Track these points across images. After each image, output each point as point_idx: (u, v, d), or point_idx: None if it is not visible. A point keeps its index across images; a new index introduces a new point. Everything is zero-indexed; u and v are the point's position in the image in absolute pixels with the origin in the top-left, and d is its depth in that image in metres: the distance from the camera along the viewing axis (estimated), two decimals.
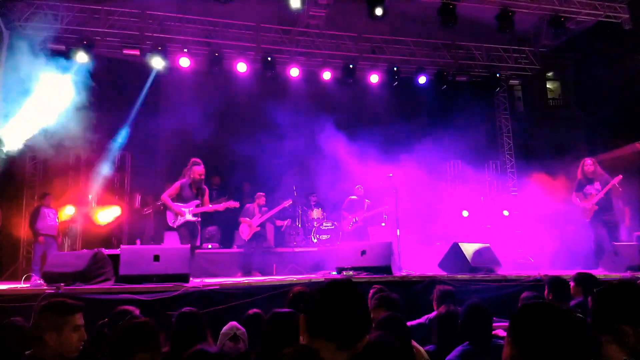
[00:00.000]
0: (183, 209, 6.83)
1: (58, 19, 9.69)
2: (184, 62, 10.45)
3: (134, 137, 10.73)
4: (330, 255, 8.25)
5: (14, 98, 8.67)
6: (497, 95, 13.30)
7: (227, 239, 10.40)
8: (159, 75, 10.73)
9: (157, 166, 11.63)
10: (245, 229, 8.86)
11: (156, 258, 5.42)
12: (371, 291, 4.16)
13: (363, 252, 6.35)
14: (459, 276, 5.87)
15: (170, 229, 7.19)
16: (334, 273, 6.50)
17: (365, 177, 9.90)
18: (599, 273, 6.23)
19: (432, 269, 6.96)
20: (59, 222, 9.27)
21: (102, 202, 10.26)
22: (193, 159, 7.04)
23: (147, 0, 10.04)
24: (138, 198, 10.97)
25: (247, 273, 8.27)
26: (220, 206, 7.24)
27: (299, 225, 10.77)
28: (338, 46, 11.43)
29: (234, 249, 9.72)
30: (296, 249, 9.84)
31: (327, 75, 11.42)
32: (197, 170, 6.93)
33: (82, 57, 9.63)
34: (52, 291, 4.64)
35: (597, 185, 7.58)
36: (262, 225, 8.96)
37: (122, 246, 6.04)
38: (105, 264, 5.56)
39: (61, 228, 9.41)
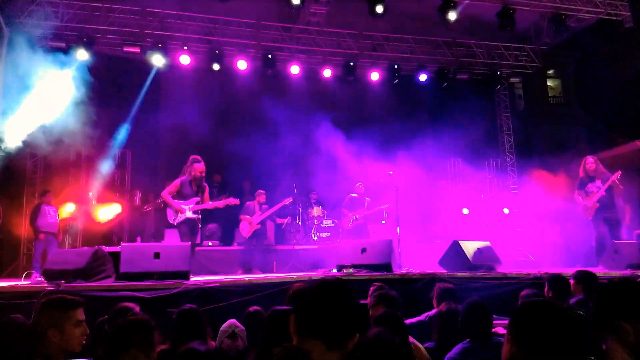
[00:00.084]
0: (183, 206, 6.83)
1: (58, 16, 9.68)
2: (184, 59, 10.44)
3: (135, 134, 10.72)
4: (330, 253, 8.26)
5: (14, 95, 8.66)
6: (497, 93, 13.28)
7: (227, 237, 10.41)
8: (159, 73, 10.73)
9: (157, 163, 11.63)
10: (246, 227, 8.86)
11: (156, 255, 5.42)
12: (371, 289, 4.16)
13: (363, 250, 6.35)
14: (459, 274, 5.88)
15: (171, 226, 7.19)
16: (335, 271, 6.51)
17: (365, 175, 9.89)
18: (599, 271, 6.23)
19: (432, 267, 6.96)
20: (60, 220, 9.27)
21: (102, 199, 10.26)
22: (193, 156, 7.03)
23: None
24: (138, 195, 10.97)
25: (247, 271, 8.27)
26: (220, 203, 7.23)
27: (299, 223, 10.78)
28: (339, 44, 11.42)
29: (235, 247, 9.73)
30: (296, 247, 9.85)
31: (327, 72, 11.41)
32: (198, 167, 6.92)
33: (82, 55, 9.62)
34: (53, 288, 4.65)
35: (598, 183, 7.58)
36: (262, 222, 8.97)
37: (122, 243, 6.04)
38: (105, 262, 5.57)
39: (62, 225, 9.41)
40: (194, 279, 5.53)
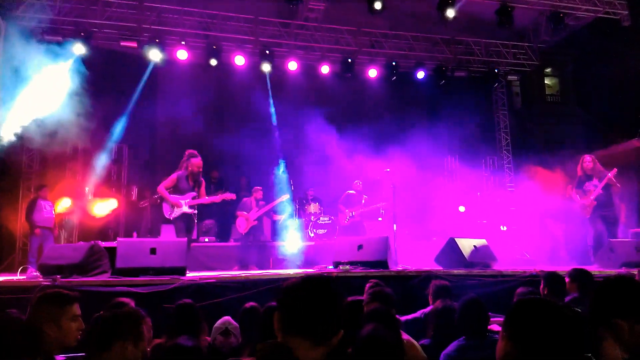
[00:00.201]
0: (179, 200, 6.82)
1: (55, 10, 9.62)
2: (182, 54, 10.40)
3: (131, 129, 10.69)
4: (327, 250, 8.27)
5: (10, 89, 8.62)
6: (495, 90, 13.29)
7: (224, 233, 10.40)
8: (156, 68, 10.68)
9: (154, 159, 11.61)
10: (243, 223, 8.86)
11: (153, 251, 5.41)
12: (367, 285, 4.17)
13: (360, 247, 6.36)
14: (455, 271, 5.89)
15: (167, 222, 7.18)
16: (331, 267, 6.51)
17: (362, 172, 9.91)
18: (595, 269, 6.26)
19: (429, 264, 6.98)
20: (56, 214, 9.25)
21: (98, 194, 10.23)
22: (189, 151, 7.02)
23: None
24: (135, 191, 10.95)
25: (243, 267, 8.27)
26: (217, 198, 7.22)
27: (296, 220, 10.77)
28: (337, 40, 11.39)
29: (231, 243, 9.73)
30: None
31: (325, 69, 11.39)
32: (195, 162, 6.90)
33: (79, 49, 9.57)
34: (49, 283, 4.64)
35: (595, 181, 7.60)
36: (259, 219, 8.96)
37: (118, 239, 6.04)
38: (101, 257, 5.56)
39: (57, 220, 9.39)
40: (190, 274, 5.52)
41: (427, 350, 3.34)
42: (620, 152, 11.39)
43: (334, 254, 6.59)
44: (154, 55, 10.13)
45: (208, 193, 7.40)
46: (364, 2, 9.30)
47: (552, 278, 4.27)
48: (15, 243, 9.55)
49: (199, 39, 10.66)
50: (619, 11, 10.47)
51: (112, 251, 5.51)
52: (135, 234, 9.93)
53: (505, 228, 11.47)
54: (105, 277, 5.21)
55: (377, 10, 9.26)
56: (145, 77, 10.72)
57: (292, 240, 9.54)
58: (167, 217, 6.88)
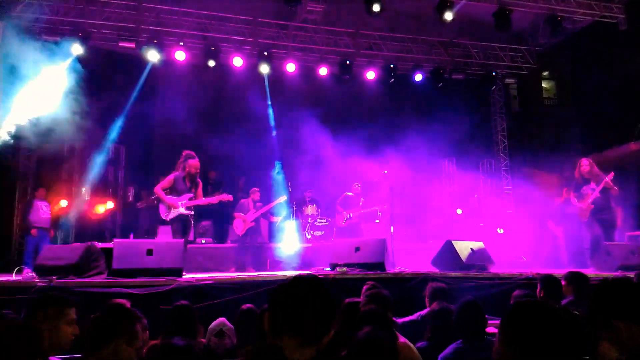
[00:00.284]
0: (176, 201, 6.80)
1: (53, 10, 9.61)
2: (180, 55, 10.40)
3: (129, 129, 10.68)
4: (324, 252, 8.26)
5: (8, 89, 8.60)
6: (492, 93, 13.32)
7: (221, 234, 10.39)
8: (154, 68, 10.67)
9: (151, 159, 11.58)
10: (240, 224, 8.85)
11: (149, 252, 5.40)
12: (364, 287, 4.17)
13: (357, 249, 6.35)
14: (452, 273, 5.90)
15: (164, 223, 7.16)
16: (328, 269, 6.51)
17: (360, 174, 9.92)
18: (591, 272, 6.28)
19: (425, 266, 6.98)
20: (52, 215, 9.23)
21: (95, 195, 10.21)
22: (186, 152, 6.99)
23: None
24: (132, 192, 10.93)
25: (240, 268, 8.26)
26: (214, 199, 7.20)
27: (293, 221, 10.77)
28: (335, 42, 11.40)
29: (228, 244, 9.72)
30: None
31: (323, 71, 11.40)
32: (193, 163, 6.88)
33: (77, 49, 9.55)
34: (45, 284, 4.62)
35: (593, 185, 7.61)
36: (256, 220, 8.96)
37: (115, 240, 6.02)
38: (98, 258, 5.55)
39: (54, 221, 9.36)
40: (187, 276, 5.51)
41: (424, 353, 3.34)
42: (617, 155, 11.42)
43: (331, 255, 6.59)
44: (152, 56, 10.12)
45: (205, 194, 7.38)
46: (362, 4, 9.31)
47: (549, 281, 4.28)
48: (11, 243, 9.51)
49: (197, 40, 10.65)
50: (616, 15, 10.52)
51: (108, 252, 5.50)
52: (132, 235, 9.90)
53: (502, 231, 11.49)
54: (101, 278, 5.19)
55: (375, 12, 9.26)
56: (143, 78, 10.71)
57: (289, 242, 9.53)
58: (164, 218, 6.86)
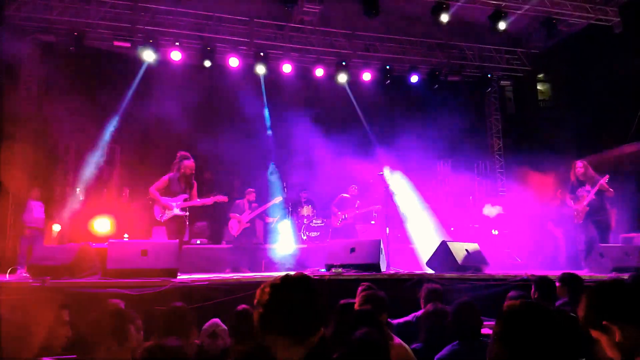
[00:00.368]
0: (171, 203, 6.78)
1: (48, 10, 9.56)
2: (176, 55, 10.37)
3: (124, 129, 10.63)
4: (319, 252, 8.26)
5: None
6: (488, 95, 13.37)
7: (216, 235, 10.36)
8: (150, 69, 10.64)
9: (146, 160, 11.53)
10: (235, 225, 8.84)
11: (144, 253, 5.38)
12: (359, 288, 4.16)
13: (352, 250, 6.35)
14: (447, 275, 5.91)
15: (159, 223, 7.13)
16: (323, 270, 6.51)
17: (355, 175, 9.93)
18: (585, 274, 6.30)
19: (420, 268, 6.99)
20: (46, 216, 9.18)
21: (91, 197, 10.16)
22: (181, 153, 6.97)
23: None
24: (127, 192, 10.88)
25: (236, 269, 8.24)
26: (209, 200, 7.18)
27: (289, 222, 10.76)
28: (332, 43, 11.41)
29: (223, 245, 9.69)
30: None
31: (320, 72, 11.41)
32: (188, 164, 6.86)
33: (73, 49, 9.51)
34: (38, 284, 4.59)
35: (588, 187, 7.65)
36: (251, 221, 8.94)
37: (109, 240, 5.99)
38: (92, 258, 5.52)
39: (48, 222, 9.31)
40: (182, 277, 5.49)
41: (419, 354, 3.34)
42: (612, 157, 11.48)
43: (327, 256, 6.59)
44: (148, 55, 10.10)
45: (200, 195, 7.36)
46: (360, 5, 9.32)
47: (543, 282, 4.30)
48: (5, 244, 9.45)
49: (193, 40, 10.63)
50: (611, 18, 10.58)
51: (102, 253, 5.47)
52: (126, 236, 9.85)
53: (496, 232, 11.52)
54: (95, 279, 5.17)
55: (372, 13, 9.28)
56: (138, 78, 10.68)
57: (284, 243, 9.53)
58: (158, 219, 6.83)
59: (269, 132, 11.56)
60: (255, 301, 1.70)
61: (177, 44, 10.38)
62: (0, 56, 8.44)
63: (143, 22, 10.13)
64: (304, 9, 9.76)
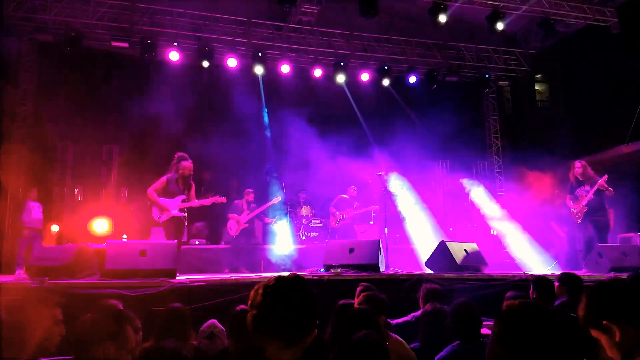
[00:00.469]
0: (168, 204, 6.76)
1: (46, 10, 9.55)
2: (174, 55, 10.36)
3: (122, 130, 10.62)
4: (318, 253, 8.26)
5: None
6: (486, 96, 13.39)
7: (215, 235, 10.35)
8: (147, 69, 10.62)
9: (144, 160, 11.51)
10: (234, 225, 8.83)
11: (142, 253, 5.37)
12: (358, 289, 4.17)
13: (351, 250, 6.36)
14: (446, 275, 5.91)
15: (157, 223, 7.12)
16: (322, 270, 6.51)
17: (353, 175, 9.94)
18: (583, 274, 6.32)
19: (419, 268, 6.99)
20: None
21: (88, 197, 10.15)
22: (179, 154, 6.95)
23: None
24: (125, 192, 10.87)
25: (234, 270, 8.24)
26: (207, 201, 7.17)
27: (288, 222, 10.75)
28: (330, 43, 11.42)
29: (222, 245, 9.68)
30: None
31: (318, 72, 11.40)
32: (186, 165, 6.85)
33: (70, 49, 9.50)
34: (36, 285, 4.58)
35: (587, 187, 7.66)
36: (250, 221, 8.94)
37: (108, 241, 5.98)
38: (90, 259, 5.51)
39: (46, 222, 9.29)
40: (181, 277, 5.49)
41: (417, 354, 3.35)
42: (608, 158, 11.51)
43: (325, 256, 6.59)
44: (146, 56, 10.08)
45: (198, 195, 7.35)
46: (357, 6, 9.32)
47: (541, 282, 4.31)
48: (3, 244, 9.43)
49: (191, 41, 10.62)
50: (608, 19, 10.61)
51: (101, 253, 5.46)
52: (125, 236, 9.84)
53: (495, 232, 11.53)
54: (93, 280, 5.16)
55: (370, 14, 9.28)
56: (136, 78, 10.66)
57: (283, 243, 9.52)
58: (157, 220, 6.81)
59: (267, 132, 11.56)
60: (249, 303, 1.69)
61: (175, 44, 10.37)
62: None
63: (141, 22, 10.12)
64: (302, 9, 9.77)
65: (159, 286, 4.86)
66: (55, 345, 2.62)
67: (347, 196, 9.75)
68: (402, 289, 5.46)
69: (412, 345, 3.49)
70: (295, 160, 10.70)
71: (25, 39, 9.96)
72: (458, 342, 3.20)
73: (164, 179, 6.84)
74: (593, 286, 1.83)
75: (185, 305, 3.65)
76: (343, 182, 9.99)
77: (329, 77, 11.54)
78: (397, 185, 9.76)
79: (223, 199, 7.44)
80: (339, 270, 6.03)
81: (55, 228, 9.51)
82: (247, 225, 8.83)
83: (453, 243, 6.84)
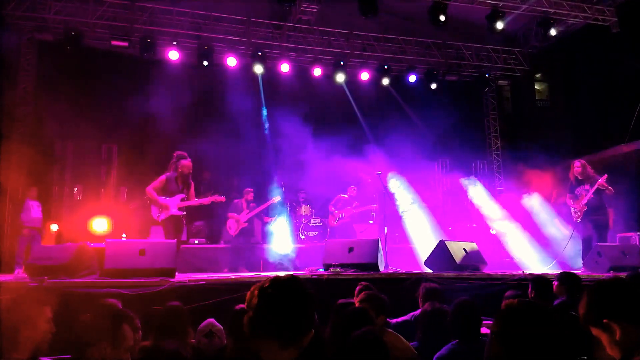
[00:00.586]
0: (168, 202, 6.75)
1: (46, 9, 9.54)
2: (173, 55, 10.36)
3: (122, 129, 10.61)
4: (317, 252, 8.26)
5: None
6: (485, 95, 13.39)
7: (214, 235, 10.35)
8: (148, 68, 10.62)
9: (143, 159, 11.51)
10: (233, 225, 8.83)
11: (142, 252, 5.37)
12: (357, 287, 4.17)
13: (350, 249, 6.36)
14: (445, 274, 5.91)
15: (157, 222, 7.12)
16: (322, 270, 6.51)
17: (353, 174, 9.94)
18: (582, 273, 6.32)
19: (419, 267, 7.00)
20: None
21: (88, 197, 10.15)
22: (178, 153, 6.94)
23: None
24: (124, 191, 10.86)
25: (234, 269, 8.24)
26: (206, 200, 7.16)
27: (287, 222, 10.75)
28: (329, 43, 11.41)
29: (221, 245, 9.68)
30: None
31: (317, 71, 11.40)
32: (185, 164, 6.84)
33: (70, 48, 9.49)
34: (36, 284, 4.58)
35: (587, 186, 7.66)
36: (250, 221, 8.94)
37: (107, 240, 5.98)
38: (89, 258, 5.51)
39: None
40: (180, 276, 5.49)
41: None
42: (608, 157, 11.52)
43: (325, 256, 6.59)
44: (146, 55, 10.07)
45: (198, 194, 7.34)
46: (357, 5, 9.32)
47: (540, 281, 4.31)
48: (2, 243, 9.42)
49: (191, 40, 10.62)
50: (608, 18, 10.61)
51: (100, 252, 5.46)
52: (124, 235, 9.84)
53: (494, 231, 11.53)
54: (93, 279, 5.16)
55: (369, 13, 9.28)
56: (136, 78, 10.65)
57: (282, 243, 9.52)
58: (155, 219, 6.80)
59: (267, 131, 11.56)
60: (246, 304, 1.69)
61: (175, 43, 10.37)
62: None
63: (140, 21, 10.11)
64: (302, 8, 9.76)
65: (158, 285, 4.86)
66: (46, 342, 2.62)
67: (346, 196, 9.76)
68: (402, 288, 5.46)
69: (411, 344, 3.49)
70: (295, 159, 10.70)
71: (25, 37, 9.96)
72: (457, 340, 3.20)
73: (163, 177, 6.83)
74: (594, 285, 1.84)
75: (184, 305, 3.65)
76: (342, 182, 9.99)
77: (328, 77, 11.54)
78: (397, 184, 9.77)
79: (222, 198, 7.43)
80: (338, 269, 6.03)
81: (54, 227, 9.50)
82: (246, 224, 8.82)
83: (452, 242, 6.84)
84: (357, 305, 3.47)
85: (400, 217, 9.95)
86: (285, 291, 1.64)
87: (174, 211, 6.72)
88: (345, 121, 11.84)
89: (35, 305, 2.62)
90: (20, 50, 9.92)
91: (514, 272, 6.42)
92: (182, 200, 6.80)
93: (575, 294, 4.08)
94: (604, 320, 1.71)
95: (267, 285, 1.67)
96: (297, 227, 10.50)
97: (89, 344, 2.26)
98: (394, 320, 4.29)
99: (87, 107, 10.02)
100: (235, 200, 9.03)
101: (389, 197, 8.26)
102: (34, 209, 8.94)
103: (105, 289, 4.63)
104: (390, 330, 3.27)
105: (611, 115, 11.86)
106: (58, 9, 9.63)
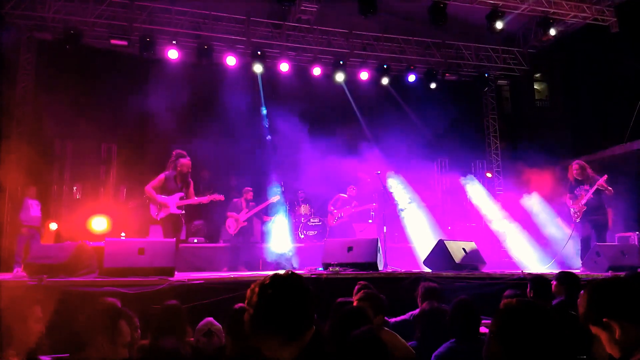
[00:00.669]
0: (167, 201, 6.75)
1: (45, 8, 9.53)
2: (173, 54, 10.35)
3: (121, 128, 10.60)
4: (317, 251, 8.26)
5: None
6: (485, 95, 13.39)
7: (213, 234, 10.34)
8: (147, 67, 10.61)
9: (143, 158, 11.51)
10: (232, 224, 8.83)
11: (141, 251, 5.37)
12: (356, 287, 4.17)
13: (350, 249, 6.36)
14: (444, 273, 5.92)
15: (156, 221, 7.11)
16: (321, 269, 6.51)
17: (352, 173, 9.94)
18: (581, 273, 6.33)
19: (418, 266, 7.00)
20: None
21: (87, 196, 10.14)
22: (177, 151, 6.93)
23: None
24: (124, 190, 10.86)
25: (233, 268, 8.23)
26: (205, 199, 7.16)
27: (287, 221, 10.74)
28: (329, 42, 11.41)
29: (221, 244, 9.67)
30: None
31: (317, 71, 11.40)
32: (184, 162, 6.83)
33: (69, 47, 9.48)
34: (35, 283, 4.58)
35: (586, 186, 7.67)
36: (249, 220, 8.93)
37: (106, 239, 5.98)
38: (89, 257, 5.51)
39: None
40: (179, 275, 5.49)
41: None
42: (607, 157, 11.53)
43: (324, 255, 6.59)
44: (145, 54, 10.06)
45: (197, 193, 7.33)
46: (356, 5, 9.32)
47: (539, 281, 4.31)
48: (1, 242, 9.42)
49: (190, 39, 10.62)
50: (607, 18, 10.62)
51: (99, 251, 5.46)
52: (123, 234, 9.83)
53: (494, 231, 11.54)
54: (92, 277, 5.16)
55: (369, 12, 9.28)
56: (135, 77, 10.65)
57: (282, 242, 9.52)
58: (155, 217, 6.80)
59: (266, 131, 11.56)
60: (246, 302, 1.69)
61: (174, 42, 10.36)
62: None
63: (140, 20, 10.11)
64: (302, 7, 9.76)
65: (157, 284, 4.86)
66: (36, 341, 2.62)
67: (345, 195, 9.76)
68: (401, 287, 5.46)
69: (409, 344, 3.49)
70: (294, 158, 10.70)
71: (24, 36, 9.95)
72: (455, 339, 3.21)
73: (162, 176, 6.82)
74: (594, 283, 1.84)
75: (183, 304, 3.65)
76: (342, 181, 9.99)
77: (328, 76, 11.54)
78: (396, 183, 9.78)
79: (221, 197, 7.42)
80: (337, 268, 6.03)
81: (53, 226, 9.49)
82: (245, 223, 8.82)
83: (451, 242, 6.84)
84: (355, 304, 3.47)
85: (399, 217, 9.96)
86: (286, 288, 1.64)
87: (173, 210, 6.71)
88: (344, 121, 11.84)
89: (23, 305, 2.62)
90: (20, 49, 9.91)
91: (513, 271, 6.42)
92: (181, 199, 6.79)
93: (574, 293, 4.09)
94: (604, 319, 1.71)
95: (267, 282, 1.67)
96: (296, 226, 10.49)
97: (87, 343, 2.26)
98: (393, 320, 4.29)
99: (86, 106, 10.01)
100: (235, 200, 9.03)
101: (388, 197, 8.26)
102: (33, 208, 8.93)
103: (104, 288, 4.64)
104: (387, 329, 3.27)
105: (610, 115, 11.87)
106: (57, 8, 9.62)
